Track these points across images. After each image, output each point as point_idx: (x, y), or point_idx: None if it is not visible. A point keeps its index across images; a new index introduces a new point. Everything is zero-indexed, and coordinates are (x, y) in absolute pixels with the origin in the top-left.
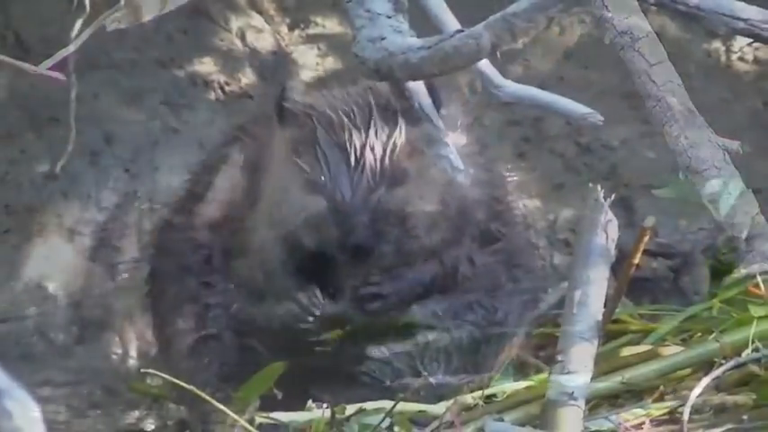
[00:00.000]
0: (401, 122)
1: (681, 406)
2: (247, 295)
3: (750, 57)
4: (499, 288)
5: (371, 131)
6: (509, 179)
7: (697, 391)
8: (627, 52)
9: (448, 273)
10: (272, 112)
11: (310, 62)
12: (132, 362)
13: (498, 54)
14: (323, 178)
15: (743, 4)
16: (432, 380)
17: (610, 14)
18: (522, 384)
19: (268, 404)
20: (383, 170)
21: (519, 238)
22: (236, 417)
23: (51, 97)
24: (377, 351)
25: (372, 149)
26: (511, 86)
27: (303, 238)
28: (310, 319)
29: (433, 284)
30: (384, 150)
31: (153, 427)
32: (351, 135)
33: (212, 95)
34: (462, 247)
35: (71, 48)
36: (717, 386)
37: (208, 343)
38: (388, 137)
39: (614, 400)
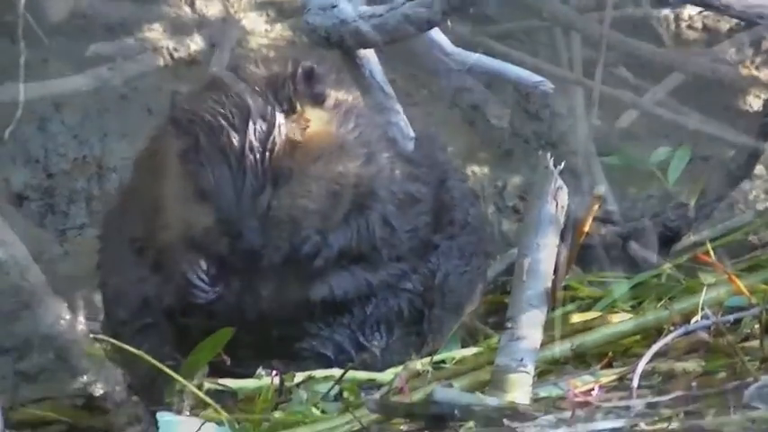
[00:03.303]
0: (279, 120)
1: (630, 372)
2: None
3: (699, 24)
4: (431, 250)
5: (250, 132)
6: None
7: (646, 357)
8: None
9: (362, 238)
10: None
11: (259, 29)
12: (81, 327)
13: (449, 21)
14: (208, 185)
15: None
16: (376, 351)
17: None
18: (471, 351)
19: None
20: (264, 171)
21: (443, 194)
22: (184, 382)
23: None
24: (314, 327)
25: (252, 150)
26: (461, 54)
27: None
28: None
29: (344, 254)
30: (264, 150)
31: (102, 392)
32: (230, 138)
33: (161, 62)
34: (372, 211)
35: None
36: (666, 353)
37: (147, 331)
38: (267, 136)
39: (563, 366)
